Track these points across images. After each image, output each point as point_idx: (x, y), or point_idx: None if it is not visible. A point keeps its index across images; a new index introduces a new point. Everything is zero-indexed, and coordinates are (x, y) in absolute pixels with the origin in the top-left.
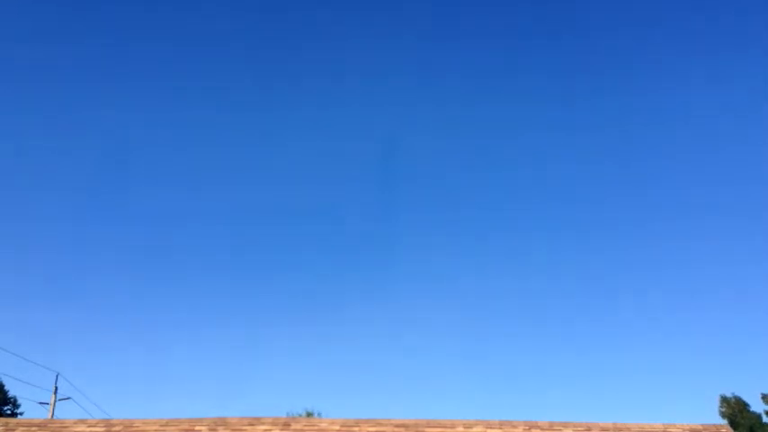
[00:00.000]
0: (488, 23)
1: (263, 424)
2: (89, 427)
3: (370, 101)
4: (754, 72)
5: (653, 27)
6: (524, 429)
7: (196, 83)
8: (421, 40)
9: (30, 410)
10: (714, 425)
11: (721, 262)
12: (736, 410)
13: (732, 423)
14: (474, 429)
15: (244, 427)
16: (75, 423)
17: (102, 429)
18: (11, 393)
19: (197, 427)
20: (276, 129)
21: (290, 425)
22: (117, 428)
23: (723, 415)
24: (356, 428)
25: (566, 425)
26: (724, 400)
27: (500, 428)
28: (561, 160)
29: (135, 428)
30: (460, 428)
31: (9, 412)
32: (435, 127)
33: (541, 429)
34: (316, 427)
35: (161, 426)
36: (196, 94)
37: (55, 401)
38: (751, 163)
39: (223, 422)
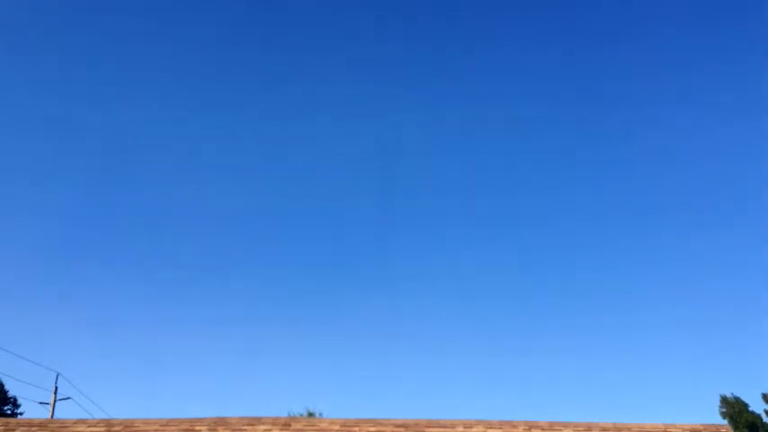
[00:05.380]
0: (493, 28)
1: (263, 424)
2: (89, 427)
3: (368, 107)
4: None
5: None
6: (524, 429)
7: (189, 83)
8: (423, 45)
9: (30, 410)
10: (714, 425)
11: (721, 262)
12: (736, 410)
13: (732, 423)
14: (474, 429)
15: (244, 427)
16: (75, 423)
17: (102, 429)
18: (11, 393)
19: (197, 427)
20: (276, 131)
21: (290, 425)
22: (117, 428)
23: (723, 415)
24: (356, 428)
25: (566, 425)
26: (724, 400)
27: (500, 428)
28: (565, 170)
29: (135, 428)
30: (460, 428)
31: (9, 412)
32: (437, 136)
33: (541, 429)
34: (316, 427)
35: (161, 426)
36: (189, 96)
37: (55, 401)
38: (752, 163)
39: (223, 422)
